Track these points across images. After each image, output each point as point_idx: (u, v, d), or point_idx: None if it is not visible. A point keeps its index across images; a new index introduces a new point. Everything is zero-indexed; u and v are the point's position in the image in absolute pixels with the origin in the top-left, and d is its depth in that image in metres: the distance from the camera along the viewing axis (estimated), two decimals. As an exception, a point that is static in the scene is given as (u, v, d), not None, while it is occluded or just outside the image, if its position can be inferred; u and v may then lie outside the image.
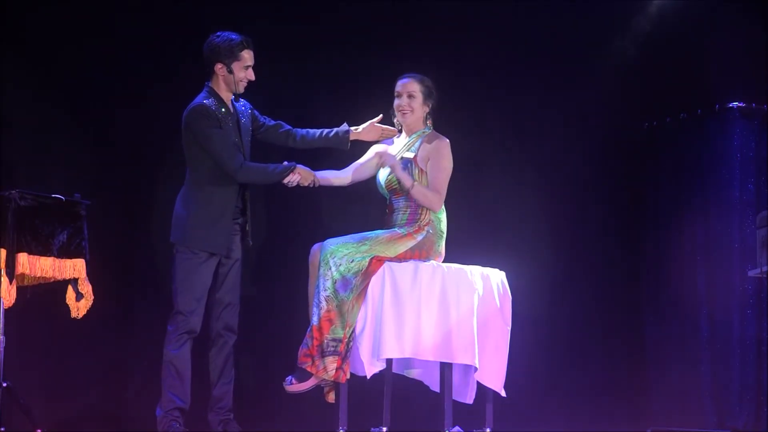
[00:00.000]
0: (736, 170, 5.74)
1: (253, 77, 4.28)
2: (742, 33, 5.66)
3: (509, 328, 4.37)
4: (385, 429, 4.34)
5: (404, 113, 4.35)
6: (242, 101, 4.40)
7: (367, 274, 4.13)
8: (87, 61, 5.25)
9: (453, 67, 5.69)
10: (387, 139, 4.52)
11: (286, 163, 4.25)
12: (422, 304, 4.14)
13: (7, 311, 3.72)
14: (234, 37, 4.21)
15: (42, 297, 3.99)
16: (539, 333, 5.66)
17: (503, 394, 4.36)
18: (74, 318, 3.96)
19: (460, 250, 4.53)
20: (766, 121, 5.70)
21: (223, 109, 4.25)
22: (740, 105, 5.73)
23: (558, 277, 5.91)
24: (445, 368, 4.21)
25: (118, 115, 5.24)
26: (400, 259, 4.21)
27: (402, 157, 4.32)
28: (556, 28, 5.87)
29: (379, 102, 4.52)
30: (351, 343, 4.12)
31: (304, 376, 4.11)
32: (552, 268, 5.87)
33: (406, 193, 4.28)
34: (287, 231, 5.49)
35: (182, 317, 4.16)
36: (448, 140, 4.36)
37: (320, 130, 4.49)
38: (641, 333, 6.12)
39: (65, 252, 3.86)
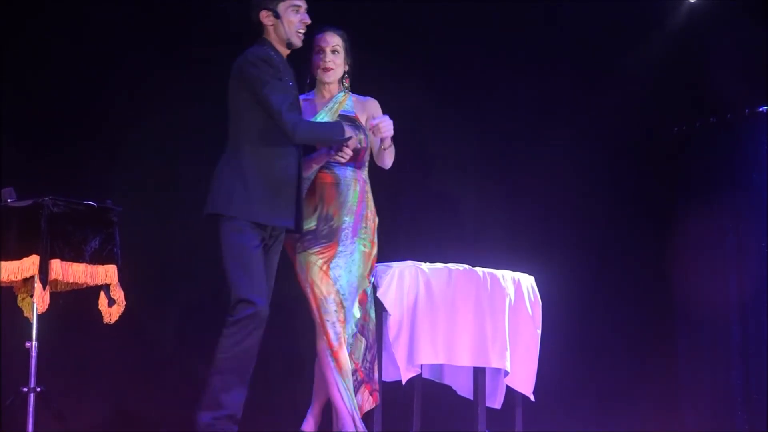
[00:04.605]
0: (765, 174, 5.56)
1: (308, 20, 3.54)
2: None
3: (539, 332, 4.26)
4: (415, 433, 4.20)
5: (329, 70, 3.71)
6: None
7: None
8: (113, 69, 5.08)
9: (483, 70, 5.57)
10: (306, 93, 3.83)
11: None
12: (456, 310, 3.97)
13: (40, 317, 3.59)
14: None
15: (74, 303, 3.85)
16: (568, 337, 5.50)
17: (533, 398, 4.24)
18: (107, 323, 3.77)
19: (490, 255, 4.46)
20: None
21: (282, 62, 3.53)
22: None
23: (588, 281, 5.79)
24: (478, 373, 4.07)
25: (146, 121, 5.08)
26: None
27: (340, 116, 3.75)
28: (586, 32, 5.73)
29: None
30: (366, 363, 3.77)
31: None
32: (581, 272, 5.74)
33: (356, 158, 3.67)
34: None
35: (248, 305, 3.34)
36: None
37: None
38: (672, 337, 6.01)
39: (97, 258, 3.70)
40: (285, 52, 3.54)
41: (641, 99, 5.83)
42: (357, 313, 3.69)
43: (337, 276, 3.65)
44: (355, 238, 3.67)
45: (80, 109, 4.96)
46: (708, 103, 5.83)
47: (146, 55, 5.11)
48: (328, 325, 3.57)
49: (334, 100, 3.77)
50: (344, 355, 3.60)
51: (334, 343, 3.56)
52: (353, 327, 3.71)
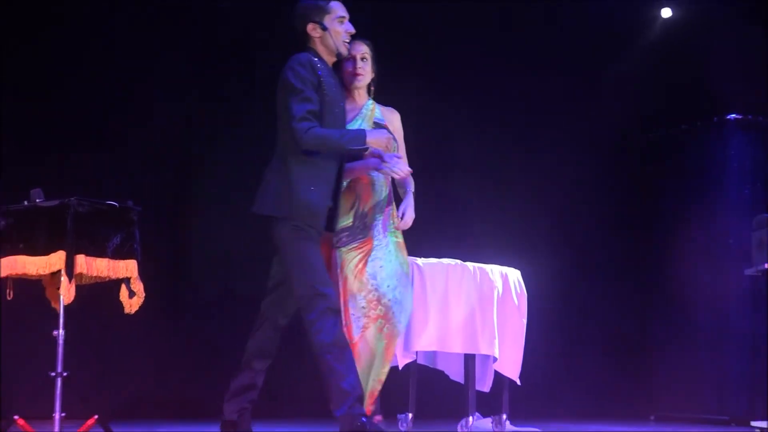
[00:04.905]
0: (733, 177, 5.72)
1: (352, 30, 3.56)
2: (745, 46, 5.60)
3: (525, 321, 4.34)
4: (410, 415, 4.28)
5: (360, 75, 3.79)
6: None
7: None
8: (131, 73, 5.17)
9: (478, 72, 5.69)
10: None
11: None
12: (449, 301, 4.06)
13: (66, 307, 3.67)
14: None
15: (98, 295, 3.93)
16: (551, 326, 5.62)
17: (519, 382, 4.33)
18: (127, 314, 3.84)
19: (480, 250, 4.53)
20: (761, 131, 5.72)
21: (326, 69, 3.54)
22: (737, 117, 5.72)
23: (570, 275, 5.89)
24: (469, 359, 4.17)
25: (165, 127, 5.21)
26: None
27: (374, 123, 3.81)
28: (573, 44, 5.86)
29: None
30: None
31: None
32: (564, 266, 5.84)
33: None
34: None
35: (321, 298, 3.36)
36: None
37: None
38: (646, 327, 6.12)
39: (119, 254, 3.78)
40: (331, 60, 3.58)
41: (620, 106, 5.97)
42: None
43: (378, 268, 3.68)
44: (387, 233, 3.74)
45: (104, 116, 5.09)
46: (683, 111, 5.96)
47: (163, 59, 5.21)
48: (353, 319, 3.64)
49: (366, 107, 3.86)
50: (361, 348, 3.65)
51: (354, 336, 3.63)
52: (407, 313, 3.70)
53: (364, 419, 3.29)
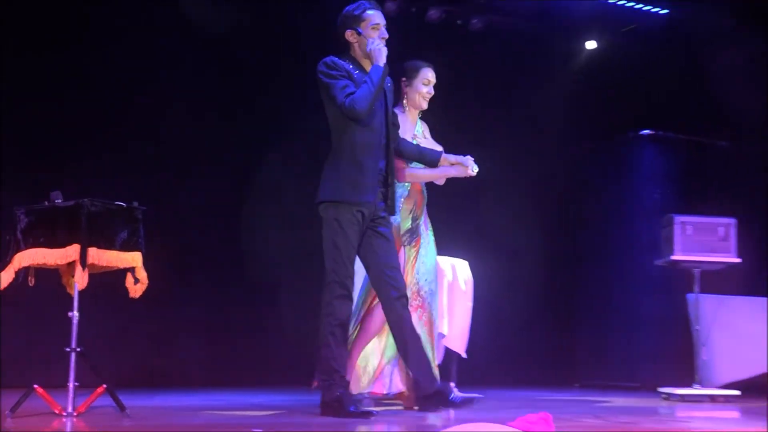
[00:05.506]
0: (646, 182, 6.21)
1: (386, 35, 3.68)
2: (669, 71, 6.05)
3: (471, 305, 4.70)
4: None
5: (427, 101, 3.95)
6: (388, 78, 3.75)
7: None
8: (131, 73, 5.38)
9: (454, 83, 5.79)
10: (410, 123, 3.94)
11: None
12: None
13: (80, 292, 3.79)
14: (361, 1, 3.73)
15: (108, 282, 4.08)
16: (494, 309, 5.95)
17: (465, 355, 4.70)
18: (132, 298, 3.98)
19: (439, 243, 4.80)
20: (669, 144, 6.18)
21: (360, 73, 3.66)
22: (650, 132, 6.17)
23: (510, 265, 6.29)
24: None
25: (173, 133, 5.48)
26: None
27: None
28: (523, 67, 6.23)
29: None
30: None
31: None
32: (505, 258, 6.24)
33: None
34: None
35: (338, 287, 3.58)
36: None
37: (414, 144, 3.99)
38: (573, 309, 6.59)
39: (126, 246, 3.94)
40: (368, 64, 3.72)
41: (559, 121, 6.36)
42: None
43: (421, 264, 3.89)
44: (428, 230, 4.02)
45: (119, 123, 5.34)
46: (609, 126, 6.41)
47: (175, 70, 5.46)
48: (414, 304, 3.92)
49: (418, 128, 4.07)
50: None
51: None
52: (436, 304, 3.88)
53: (341, 391, 3.61)
